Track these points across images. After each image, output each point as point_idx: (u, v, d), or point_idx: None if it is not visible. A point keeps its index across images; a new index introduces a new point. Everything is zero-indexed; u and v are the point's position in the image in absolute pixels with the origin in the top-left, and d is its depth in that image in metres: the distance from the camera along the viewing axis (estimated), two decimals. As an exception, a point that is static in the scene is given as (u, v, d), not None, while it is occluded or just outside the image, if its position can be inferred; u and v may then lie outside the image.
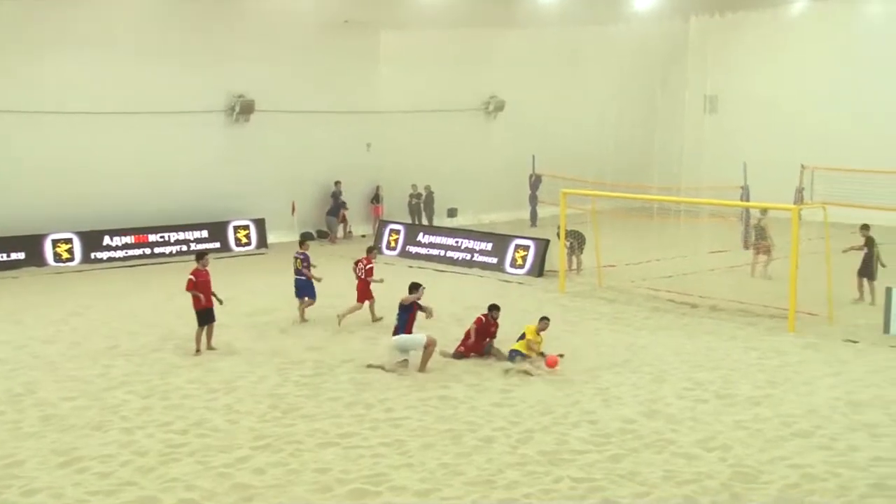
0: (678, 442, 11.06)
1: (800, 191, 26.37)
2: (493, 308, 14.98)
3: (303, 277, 17.42)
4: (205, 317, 15.19)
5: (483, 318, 14.83)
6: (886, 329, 16.02)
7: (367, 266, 17.31)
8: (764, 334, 16.31)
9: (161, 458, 10.64)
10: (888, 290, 16.14)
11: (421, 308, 14.33)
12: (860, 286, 18.66)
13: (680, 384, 13.34)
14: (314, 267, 17.72)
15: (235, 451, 10.89)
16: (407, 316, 14.09)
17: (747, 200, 25.32)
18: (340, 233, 28.82)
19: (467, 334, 14.86)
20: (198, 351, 15.08)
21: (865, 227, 18.89)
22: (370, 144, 29.71)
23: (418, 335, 14.07)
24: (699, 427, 11.56)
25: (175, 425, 11.75)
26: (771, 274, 20.80)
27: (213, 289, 15.32)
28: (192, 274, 15.21)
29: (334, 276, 19.34)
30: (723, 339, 15.99)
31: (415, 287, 14.34)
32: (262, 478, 10.13)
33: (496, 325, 14.93)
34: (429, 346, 13.96)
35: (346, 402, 12.68)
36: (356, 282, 17.45)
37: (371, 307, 17.32)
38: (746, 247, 25.37)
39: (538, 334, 14.43)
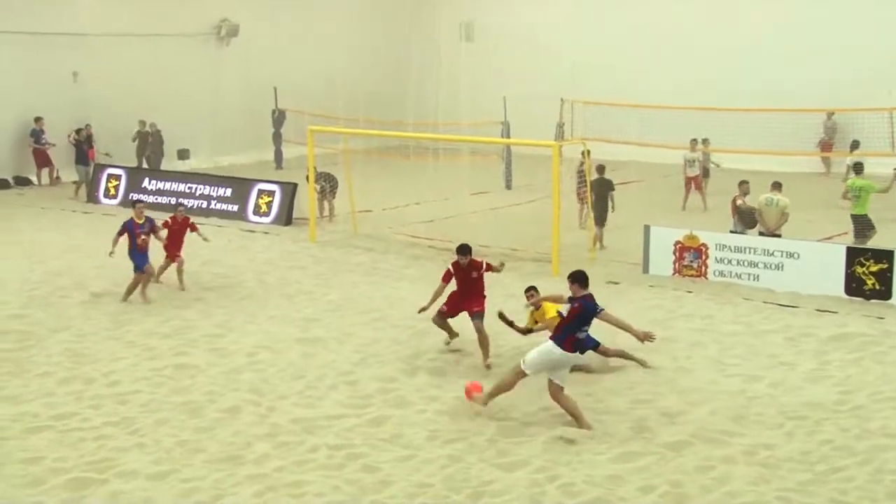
0: (441, 399, 11.42)
1: (560, 125, 27.74)
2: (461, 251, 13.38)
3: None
4: None
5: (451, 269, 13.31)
6: (646, 269, 17.38)
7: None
8: (527, 279, 17.11)
9: None
10: (646, 229, 17.45)
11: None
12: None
13: (441, 336, 13.74)
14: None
15: (-81, 446, 10.02)
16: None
17: (508, 137, 26.36)
18: (46, 179, 27.12)
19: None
20: None
21: (601, 169, 19.56)
22: (77, 74, 27.89)
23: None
24: (461, 381, 11.94)
25: None
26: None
27: None
28: None
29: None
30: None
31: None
32: (-44, 475, 9.40)
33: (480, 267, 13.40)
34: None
35: (60, 378, 12.02)
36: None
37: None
38: (509, 187, 26.54)
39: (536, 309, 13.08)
